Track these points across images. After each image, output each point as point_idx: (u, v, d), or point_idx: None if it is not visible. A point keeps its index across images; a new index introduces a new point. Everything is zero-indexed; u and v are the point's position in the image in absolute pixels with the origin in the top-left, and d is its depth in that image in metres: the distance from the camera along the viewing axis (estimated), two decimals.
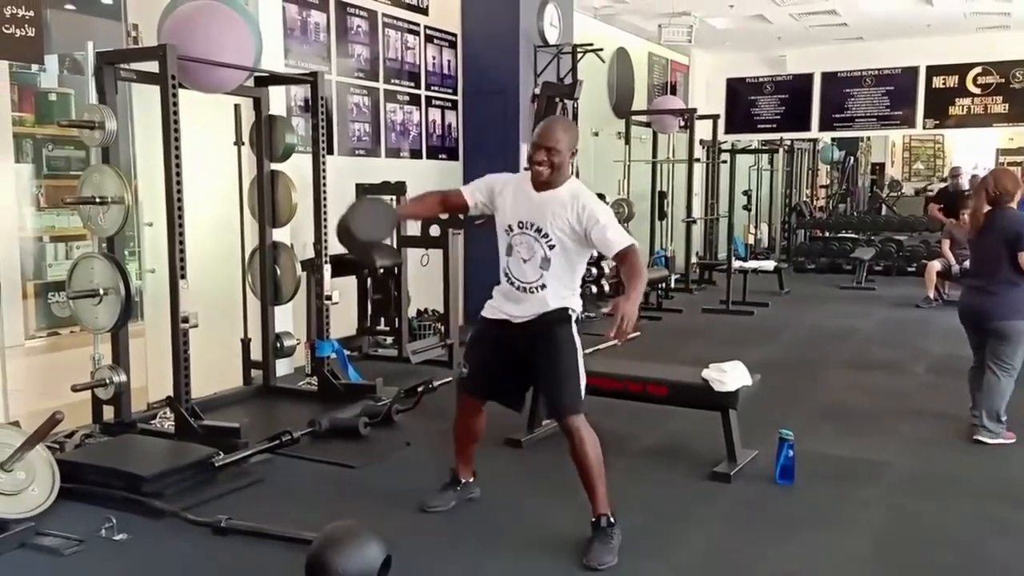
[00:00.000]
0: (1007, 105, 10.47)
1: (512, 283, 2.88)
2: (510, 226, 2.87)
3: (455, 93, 7.22)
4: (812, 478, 3.43)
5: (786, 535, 2.97)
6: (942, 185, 12.24)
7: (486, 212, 3.00)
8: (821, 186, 15.34)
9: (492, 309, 2.95)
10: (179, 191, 3.76)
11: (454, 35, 7.16)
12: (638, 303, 2.67)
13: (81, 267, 3.87)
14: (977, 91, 10.58)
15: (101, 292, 3.79)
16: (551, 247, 2.81)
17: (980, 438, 3.89)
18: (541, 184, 2.83)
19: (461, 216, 3.30)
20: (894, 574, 2.71)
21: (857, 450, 3.87)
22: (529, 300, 2.85)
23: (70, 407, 3.39)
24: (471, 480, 3.21)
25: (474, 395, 3.05)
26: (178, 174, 3.75)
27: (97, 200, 3.76)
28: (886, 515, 3.16)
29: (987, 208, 3.89)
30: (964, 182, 10.08)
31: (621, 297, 2.67)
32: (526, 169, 2.92)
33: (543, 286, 2.84)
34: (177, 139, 3.73)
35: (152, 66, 3.80)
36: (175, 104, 3.72)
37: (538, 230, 2.81)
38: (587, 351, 2.97)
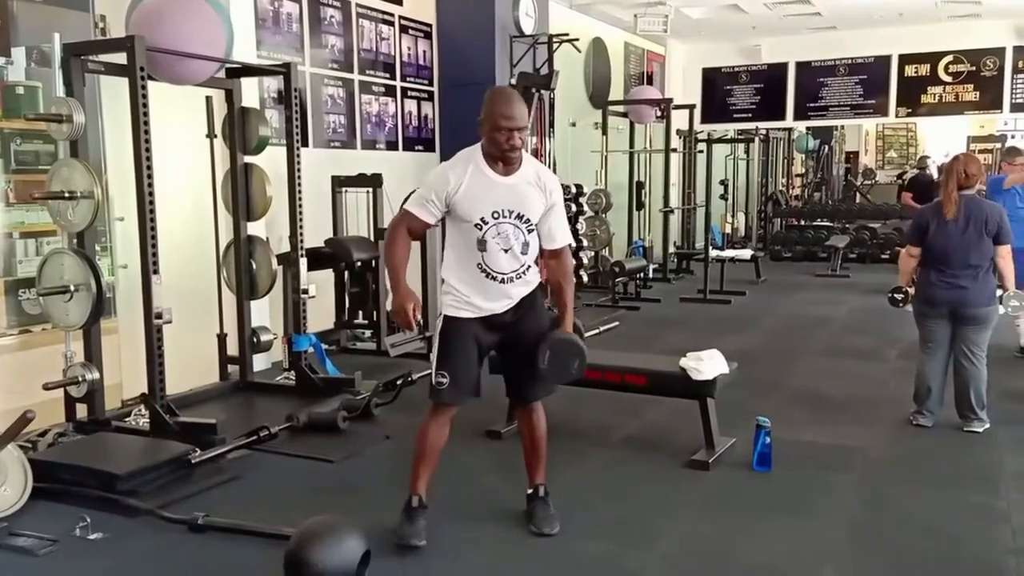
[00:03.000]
0: (978, 93, 10.60)
1: (490, 276, 2.67)
2: (483, 219, 2.63)
3: (431, 84, 7.18)
4: (789, 464, 3.46)
5: (764, 521, 3.00)
6: (915, 172, 12.38)
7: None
8: (796, 175, 15.46)
9: (467, 308, 2.71)
10: (150, 185, 3.71)
11: (429, 26, 7.11)
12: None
13: (51, 263, 3.81)
14: (948, 79, 10.70)
15: (72, 288, 3.73)
16: (531, 231, 2.69)
17: (974, 428, 3.90)
18: (506, 166, 2.64)
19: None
20: (870, 558, 2.74)
21: (833, 436, 3.91)
22: (511, 288, 2.70)
23: (42, 405, 3.34)
24: None
25: (457, 402, 2.78)
26: (149, 168, 3.70)
27: (66, 195, 3.70)
28: (861, 500, 3.20)
29: (957, 192, 3.93)
30: (933, 171, 10.22)
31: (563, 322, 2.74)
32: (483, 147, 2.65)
33: (526, 269, 2.72)
34: (147, 132, 3.68)
35: (121, 58, 3.74)
36: (145, 96, 3.66)
37: (519, 216, 2.64)
38: None
